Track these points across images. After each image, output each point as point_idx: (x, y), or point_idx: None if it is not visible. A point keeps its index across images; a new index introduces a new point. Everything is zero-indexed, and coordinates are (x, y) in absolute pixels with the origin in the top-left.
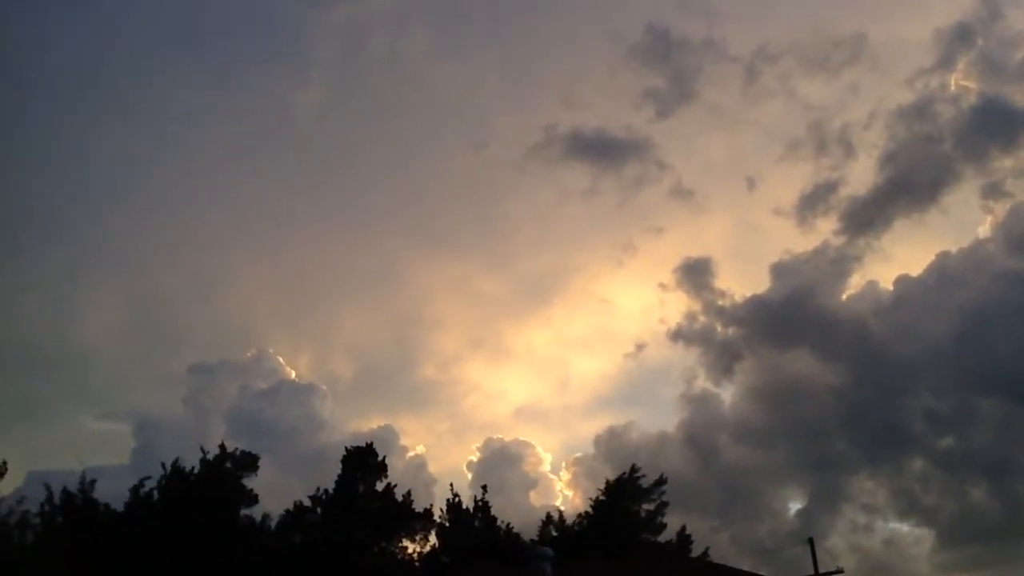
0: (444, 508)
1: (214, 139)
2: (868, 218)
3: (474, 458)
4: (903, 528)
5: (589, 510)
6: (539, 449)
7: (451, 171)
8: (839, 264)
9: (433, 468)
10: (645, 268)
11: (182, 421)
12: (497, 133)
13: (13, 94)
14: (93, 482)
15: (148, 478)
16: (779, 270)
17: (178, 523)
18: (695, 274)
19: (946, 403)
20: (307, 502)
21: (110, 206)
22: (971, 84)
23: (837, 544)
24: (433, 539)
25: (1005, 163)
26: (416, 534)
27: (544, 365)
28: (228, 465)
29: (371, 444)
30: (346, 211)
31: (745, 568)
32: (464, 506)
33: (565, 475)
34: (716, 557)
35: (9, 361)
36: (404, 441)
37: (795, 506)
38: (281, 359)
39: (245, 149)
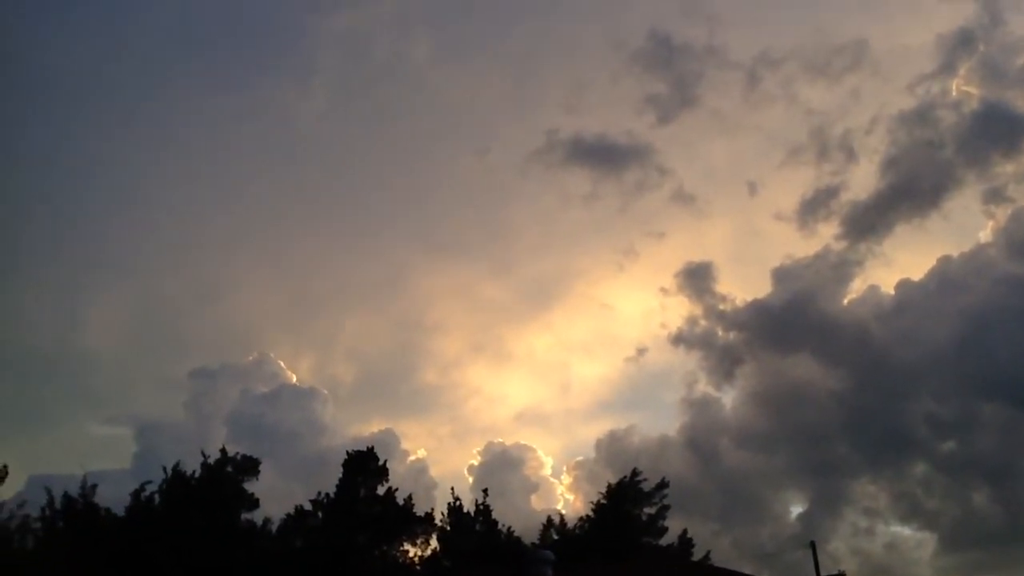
0: (445, 512)
1: (218, 144)
2: (869, 223)
3: (475, 462)
4: (905, 532)
5: (590, 514)
6: (540, 453)
7: (453, 176)
8: (840, 269)
9: (434, 472)
10: (646, 273)
11: (183, 425)
12: (499, 138)
13: (19, 98)
14: (94, 486)
15: (149, 482)
16: (780, 275)
17: (179, 527)
18: (696, 279)
19: (948, 407)
20: (308, 506)
21: (113, 211)
22: (972, 89)
23: (839, 548)
24: (434, 543)
25: (1006, 168)
26: (417, 538)
27: (545, 369)
28: (229, 469)
29: (372, 448)
30: (348, 216)
31: (747, 572)
32: (465, 510)
33: (566, 479)
34: (718, 561)
35: (11, 365)
36: (405, 445)
37: (797, 510)
38: (282, 363)
39: (248, 155)
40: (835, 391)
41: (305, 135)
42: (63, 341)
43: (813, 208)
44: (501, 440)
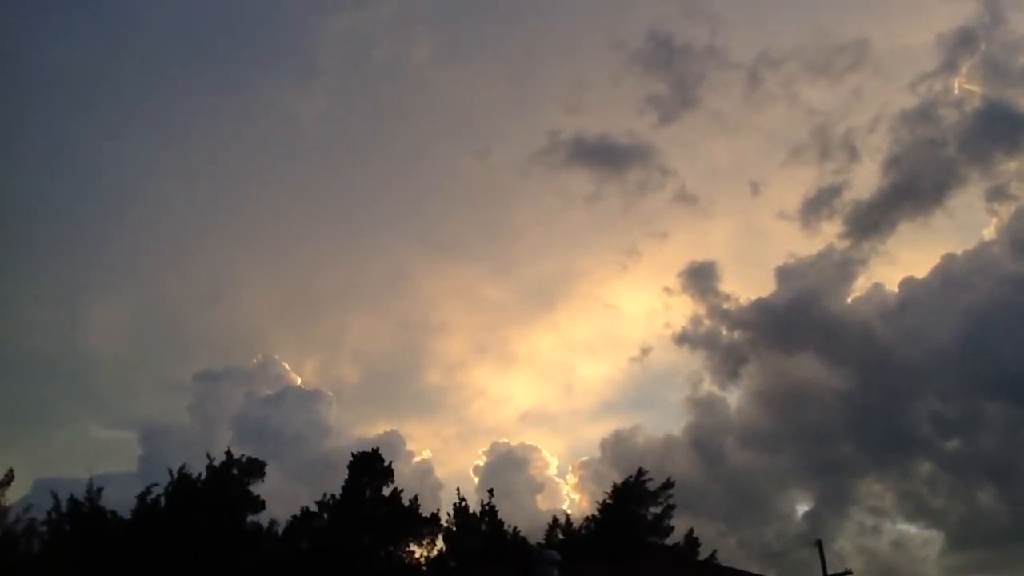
0: (451, 513)
1: (220, 146)
2: (873, 221)
3: (480, 463)
4: (911, 530)
5: (596, 513)
6: (545, 453)
7: (455, 177)
8: (844, 267)
9: (439, 473)
10: (650, 273)
11: (188, 428)
12: (501, 139)
13: (20, 99)
14: (100, 490)
15: (155, 485)
16: (784, 274)
17: (185, 530)
18: (700, 278)
19: (952, 406)
20: (314, 508)
21: (117, 213)
22: (975, 88)
23: (845, 546)
24: (440, 544)
25: (1009, 166)
26: (423, 539)
27: (550, 370)
28: (235, 471)
29: (377, 450)
30: (351, 218)
31: (754, 571)
32: (471, 510)
33: (571, 479)
34: (724, 560)
35: (16, 369)
36: (410, 446)
37: (802, 509)
38: (287, 365)
39: (250, 156)
40: (840, 390)
41: (306, 136)
42: (68, 345)
43: (816, 207)
44: (506, 441)
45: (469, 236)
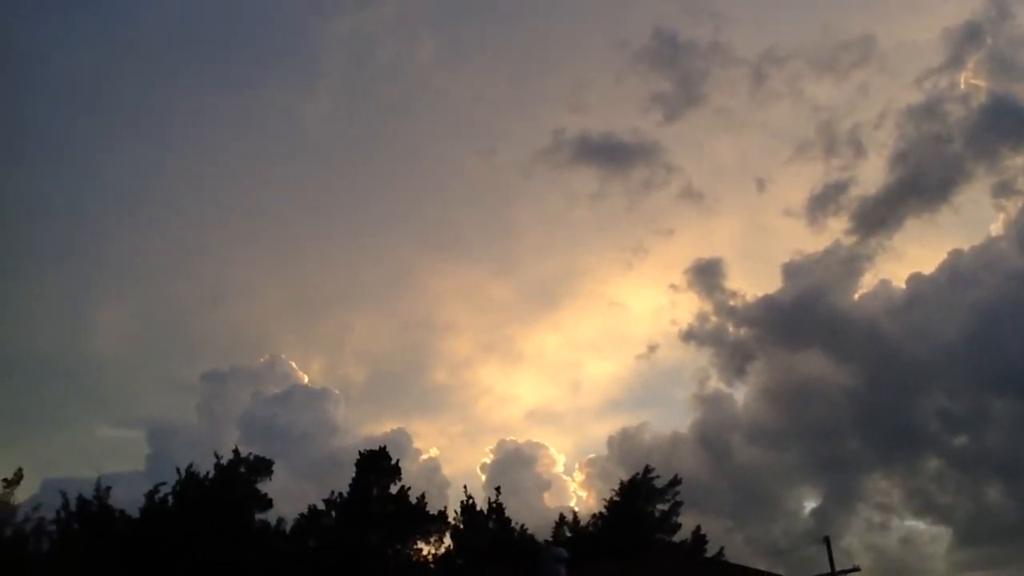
0: (458, 510)
1: (224, 148)
2: (879, 217)
3: (487, 460)
4: (919, 527)
5: (603, 511)
6: (552, 451)
7: (459, 177)
8: (851, 264)
9: (446, 471)
10: (655, 270)
11: (196, 427)
12: (505, 138)
13: (24, 101)
14: (108, 489)
15: (163, 484)
16: (790, 270)
17: (193, 528)
18: (706, 275)
19: (960, 402)
20: (321, 506)
21: (122, 214)
22: (981, 83)
23: (852, 543)
24: (448, 541)
25: (1016, 161)
26: (431, 536)
27: (556, 368)
28: (242, 470)
29: (384, 447)
30: (356, 218)
31: (761, 568)
32: (478, 508)
33: (579, 476)
34: (731, 557)
35: (24, 370)
36: (417, 444)
37: (810, 505)
38: (294, 364)
39: (255, 157)
40: (847, 386)
41: (311, 136)
42: (76, 345)
43: (822, 203)
44: (513, 438)
45: (474, 235)
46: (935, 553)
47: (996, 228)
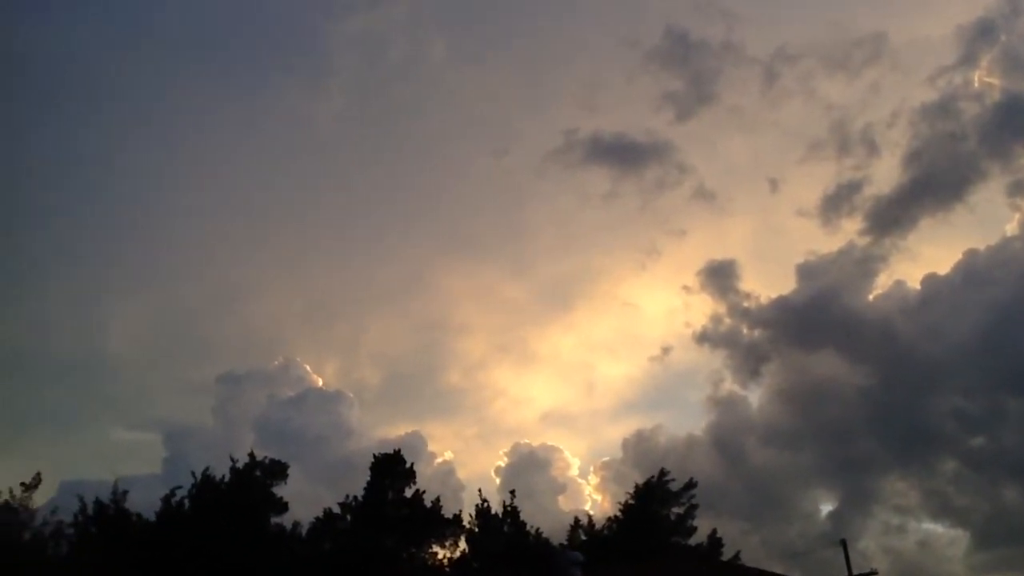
0: (473, 514)
1: (237, 149)
2: (893, 217)
3: (502, 463)
4: (937, 529)
5: (618, 514)
6: (567, 454)
7: (472, 178)
8: (865, 264)
9: (461, 474)
10: (669, 271)
11: (211, 430)
12: (517, 139)
13: (38, 104)
14: (125, 492)
15: (179, 487)
16: (804, 271)
17: (209, 531)
18: (719, 276)
19: (976, 403)
20: (337, 509)
21: (136, 219)
22: (995, 80)
23: (869, 546)
24: (463, 544)
25: None
26: (446, 540)
27: (570, 370)
28: (258, 473)
29: (399, 451)
30: (369, 219)
31: (778, 571)
32: (493, 511)
33: (593, 479)
34: (747, 560)
35: (41, 374)
36: (432, 447)
37: (826, 508)
38: (308, 367)
39: (268, 159)
40: (862, 387)
41: (322, 137)
42: (92, 349)
43: (836, 203)
44: (527, 441)
45: (487, 236)
46: (953, 556)
47: (1011, 227)
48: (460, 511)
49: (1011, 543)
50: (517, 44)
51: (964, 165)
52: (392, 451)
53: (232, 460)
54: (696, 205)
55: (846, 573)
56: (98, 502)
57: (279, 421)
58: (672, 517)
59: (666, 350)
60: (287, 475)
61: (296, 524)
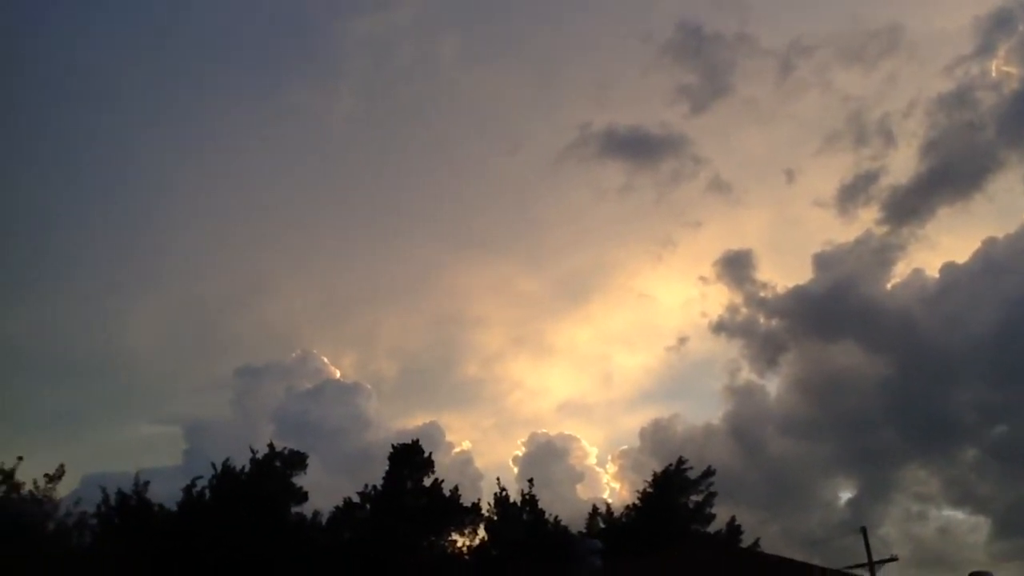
0: (492, 503)
1: (254, 148)
2: (911, 207)
3: (519, 453)
4: (958, 516)
5: (637, 502)
6: (584, 443)
7: (486, 173)
8: (882, 253)
9: (479, 464)
10: (685, 262)
11: (231, 422)
12: (531, 134)
13: (57, 103)
14: (147, 484)
15: (200, 478)
16: (821, 261)
17: (230, 522)
18: (736, 267)
19: (996, 391)
20: (356, 499)
21: (155, 216)
22: (1012, 70)
23: (890, 533)
24: (482, 533)
25: None
26: (465, 528)
27: (586, 361)
28: (277, 464)
29: (417, 441)
30: (385, 215)
31: (798, 559)
32: (511, 500)
33: (611, 468)
34: (767, 548)
35: (63, 370)
36: (450, 438)
37: (846, 496)
38: (326, 360)
39: (284, 157)
40: (880, 377)
41: (338, 137)
42: (113, 344)
43: (853, 194)
44: (545, 431)
45: (503, 231)
46: (974, 543)
47: None
48: (479, 500)
49: None
50: (529, 39)
51: (982, 154)
52: (410, 441)
53: (252, 451)
54: (712, 197)
55: (866, 560)
56: (120, 493)
57: (298, 413)
58: (690, 505)
59: (683, 340)
60: (306, 465)
61: (316, 513)
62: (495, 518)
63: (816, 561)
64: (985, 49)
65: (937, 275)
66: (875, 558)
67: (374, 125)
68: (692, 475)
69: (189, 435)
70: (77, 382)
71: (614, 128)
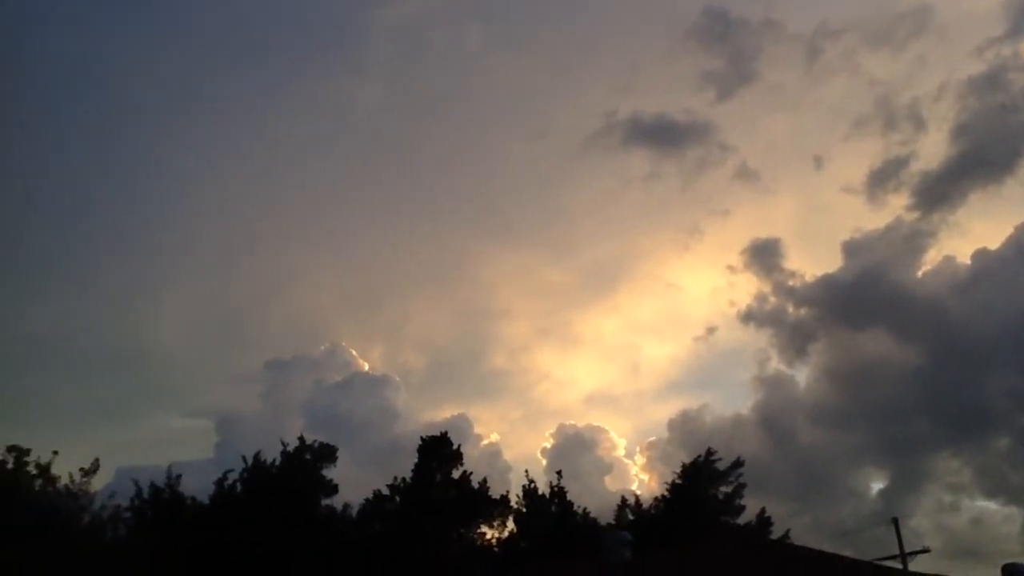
0: (520, 494)
1: (281, 139)
2: (942, 192)
3: (548, 445)
4: (991, 507)
5: (666, 493)
6: (613, 434)
7: (512, 162)
8: (913, 240)
9: (507, 456)
10: (712, 251)
11: (261, 416)
12: (556, 122)
13: (80, 97)
14: (179, 477)
15: (231, 471)
16: (851, 248)
17: (261, 514)
18: (764, 255)
19: None
20: (386, 491)
21: (184, 209)
22: None
23: (922, 523)
24: (511, 525)
25: None
26: (494, 520)
27: (614, 351)
28: (307, 457)
29: (445, 433)
30: (410, 206)
31: (828, 550)
32: (540, 492)
33: (640, 459)
34: (797, 539)
35: (97, 365)
36: (478, 429)
37: (877, 486)
38: (354, 352)
39: (310, 148)
40: (911, 365)
41: (364, 127)
42: (145, 339)
43: (882, 180)
44: (573, 422)
45: (529, 220)
46: (1008, 534)
47: None
48: (507, 492)
49: None
50: (554, 27)
51: (1014, 137)
52: (439, 433)
53: (282, 444)
54: (739, 184)
55: (898, 551)
56: (153, 486)
57: (327, 406)
58: (720, 496)
59: (711, 330)
60: (336, 458)
61: (346, 506)
62: (524, 510)
63: (847, 552)
64: (1016, 30)
65: (969, 262)
66: (907, 549)
67: (399, 114)
68: (721, 466)
69: (220, 428)
70: (110, 377)
71: (639, 115)
